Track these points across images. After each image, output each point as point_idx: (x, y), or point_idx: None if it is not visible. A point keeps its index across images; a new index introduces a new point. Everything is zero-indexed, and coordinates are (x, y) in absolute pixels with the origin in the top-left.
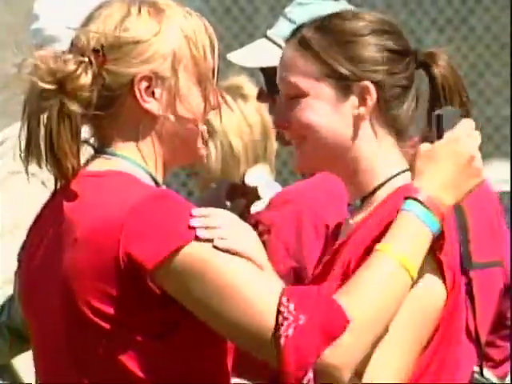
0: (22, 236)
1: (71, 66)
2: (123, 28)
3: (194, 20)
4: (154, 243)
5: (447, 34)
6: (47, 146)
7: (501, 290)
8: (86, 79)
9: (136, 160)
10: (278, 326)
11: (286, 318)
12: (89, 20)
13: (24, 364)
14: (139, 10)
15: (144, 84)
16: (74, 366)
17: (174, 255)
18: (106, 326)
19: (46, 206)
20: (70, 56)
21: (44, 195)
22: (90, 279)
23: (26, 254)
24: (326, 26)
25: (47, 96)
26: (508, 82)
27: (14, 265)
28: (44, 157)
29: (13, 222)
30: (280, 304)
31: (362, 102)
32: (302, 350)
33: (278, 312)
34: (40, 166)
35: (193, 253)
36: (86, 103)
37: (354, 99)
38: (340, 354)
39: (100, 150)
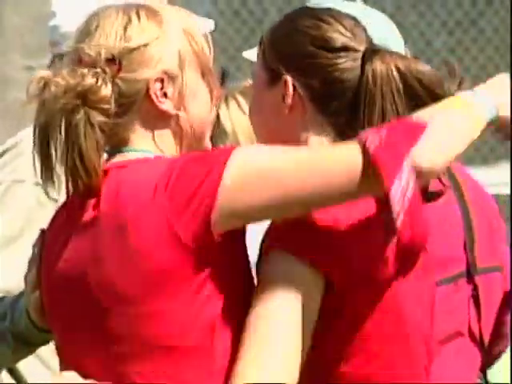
0: (27, 243)
1: (90, 80)
2: (128, 35)
3: (185, 16)
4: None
5: (457, 36)
6: (76, 157)
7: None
8: (106, 90)
9: (156, 153)
10: (363, 148)
11: (367, 140)
12: (86, 34)
13: (28, 364)
14: (138, 16)
15: (158, 85)
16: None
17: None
18: None
19: (64, 208)
20: (85, 70)
21: (47, 203)
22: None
23: (49, 254)
24: (275, 25)
25: (72, 110)
26: None
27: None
28: (69, 167)
29: (19, 228)
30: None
31: (285, 97)
32: (391, 148)
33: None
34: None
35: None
36: (108, 113)
37: (279, 94)
38: (426, 154)
39: (115, 151)
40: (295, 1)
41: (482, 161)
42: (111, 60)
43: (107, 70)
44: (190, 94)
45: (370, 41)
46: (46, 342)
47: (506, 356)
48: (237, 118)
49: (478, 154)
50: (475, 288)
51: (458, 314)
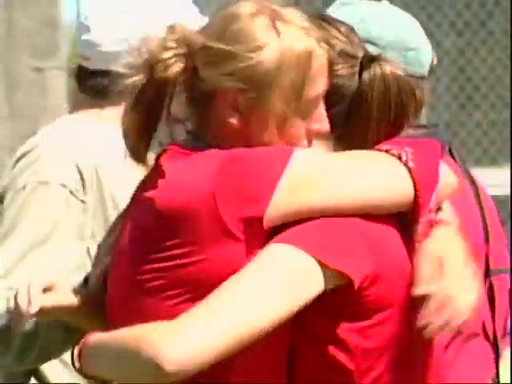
0: (54, 245)
1: (166, 55)
2: (231, 37)
3: (305, 44)
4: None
5: (466, 37)
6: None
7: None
8: (173, 71)
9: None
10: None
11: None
12: (214, 15)
13: (52, 367)
14: (255, 21)
15: (231, 96)
16: None
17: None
18: None
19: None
20: (173, 44)
21: (73, 204)
22: None
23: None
24: None
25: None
26: None
27: (52, 271)
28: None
29: (46, 231)
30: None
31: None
32: (425, 166)
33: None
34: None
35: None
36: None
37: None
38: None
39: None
40: (302, 2)
41: (491, 161)
42: (201, 49)
43: (191, 55)
44: (261, 119)
45: (364, 47)
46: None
47: (505, 356)
48: None
49: (486, 154)
50: (491, 288)
51: (475, 315)
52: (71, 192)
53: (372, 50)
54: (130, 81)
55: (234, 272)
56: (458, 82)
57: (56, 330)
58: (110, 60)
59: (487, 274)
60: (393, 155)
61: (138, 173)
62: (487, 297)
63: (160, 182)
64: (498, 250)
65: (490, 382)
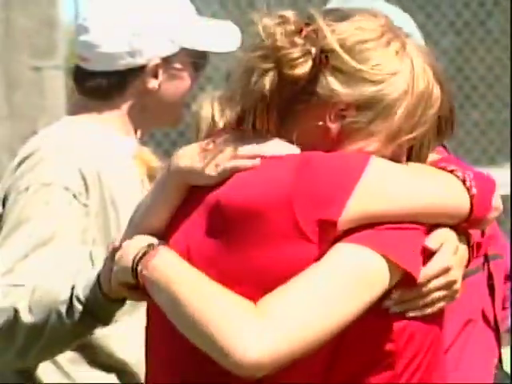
0: (58, 246)
1: (296, 54)
2: (361, 49)
3: (422, 74)
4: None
5: (464, 36)
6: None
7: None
8: (301, 71)
9: None
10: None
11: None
12: (345, 17)
13: (45, 369)
14: (388, 43)
15: (344, 106)
16: None
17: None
18: None
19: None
20: (301, 41)
21: (76, 208)
22: None
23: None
24: None
25: (259, 72)
26: None
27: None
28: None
29: (50, 232)
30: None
31: None
32: (483, 196)
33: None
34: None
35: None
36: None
37: None
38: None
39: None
40: (300, 1)
41: (489, 161)
42: (325, 52)
43: (318, 56)
44: (356, 140)
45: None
46: (110, 318)
47: (506, 353)
48: None
49: (484, 155)
50: (490, 277)
51: (471, 301)
52: (74, 195)
53: None
54: (261, 79)
55: (301, 271)
56: (457, 82)
57: (61, 329)
58: (109, 61)
59: (486, 260)
60: (457, 177)
61: (137, 175)
62: (487, 285)
63: (237, 181)
64: (490, 236)
65: (496, 362)
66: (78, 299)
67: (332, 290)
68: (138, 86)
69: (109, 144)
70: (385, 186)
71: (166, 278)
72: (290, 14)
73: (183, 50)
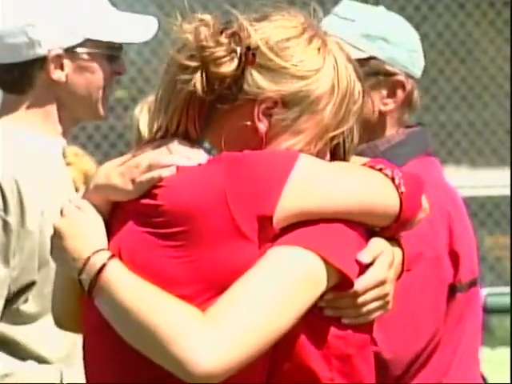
0: None
1: (221, 52)
2: (285, 47)
3: (344, 70)
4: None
5: (459, 38)
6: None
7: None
8: (228, 69)
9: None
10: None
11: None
12: (264, 17)
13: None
14: (310, 41)
15: (271, 104)
16: None
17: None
18: None
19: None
20: (226, 40)
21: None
22: None
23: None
24: None
25: (187, 71)
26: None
27: None
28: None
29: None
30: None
31: None
32: (412, 195)
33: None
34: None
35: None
36: (212, 91)
37: None
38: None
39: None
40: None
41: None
42: (249, 49)
43: (243, 55)
44: (287, 135)
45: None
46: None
47: (506, 356)
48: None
49: (481, 156)
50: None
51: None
52: (77, 190)
53: (385, 46)
54: (185, 76)
55: (243, 270)
56: (452, 83)
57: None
58: (11, 53)
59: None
60: (386, 175)
61: (67, 176)
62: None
63: (168, 185)
64: (469, 260)
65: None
66: None
67: (275, 293)
68: (43, 78)
69: (26, 150)
70: (315, 182)
71: (113, 286)
72: (208, 17)
73: (89, 41)
